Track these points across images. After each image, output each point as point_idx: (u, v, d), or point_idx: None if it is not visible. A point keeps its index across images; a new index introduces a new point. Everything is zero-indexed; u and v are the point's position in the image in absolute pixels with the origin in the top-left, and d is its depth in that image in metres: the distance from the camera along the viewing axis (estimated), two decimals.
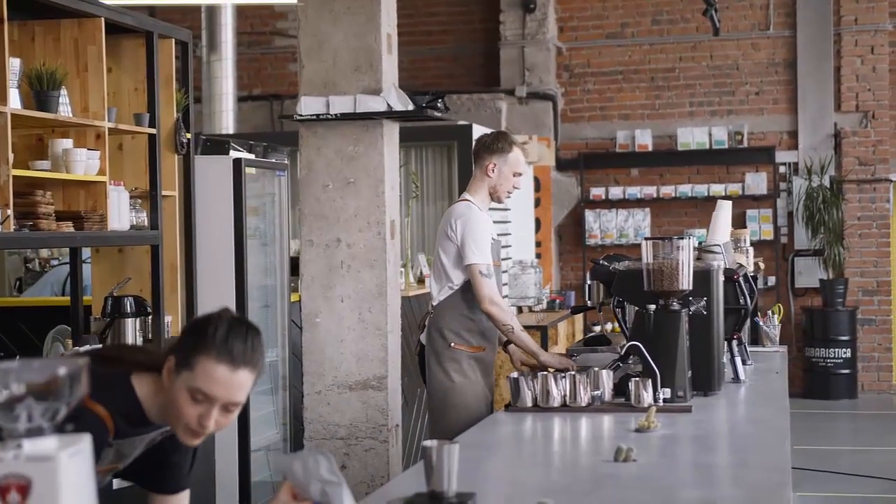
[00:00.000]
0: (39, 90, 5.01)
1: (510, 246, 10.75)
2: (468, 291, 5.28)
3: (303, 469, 2.50)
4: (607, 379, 4.41)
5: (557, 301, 11.11)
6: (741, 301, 5.10)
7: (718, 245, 5.25)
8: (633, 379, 4.30)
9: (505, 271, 10.28)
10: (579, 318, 11.28)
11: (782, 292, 12.82)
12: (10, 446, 1.74)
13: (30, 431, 1.75)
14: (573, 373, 4.38)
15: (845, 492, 8.40)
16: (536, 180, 12.46)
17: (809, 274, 12.81)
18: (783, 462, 3.36)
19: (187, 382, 2.59)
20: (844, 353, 12.47)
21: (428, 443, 2.73)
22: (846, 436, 11.12)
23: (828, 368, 12.47)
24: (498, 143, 5.42)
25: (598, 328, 12.40)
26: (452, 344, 5.31)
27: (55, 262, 8.96)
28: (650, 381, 4.28)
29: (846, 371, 12.50)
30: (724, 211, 5.62)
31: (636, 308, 4.62)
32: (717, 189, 12.81)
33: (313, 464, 2.51)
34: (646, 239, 4.52)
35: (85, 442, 1.79)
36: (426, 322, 5.49)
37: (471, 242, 5.21)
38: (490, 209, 5.51)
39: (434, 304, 5.39)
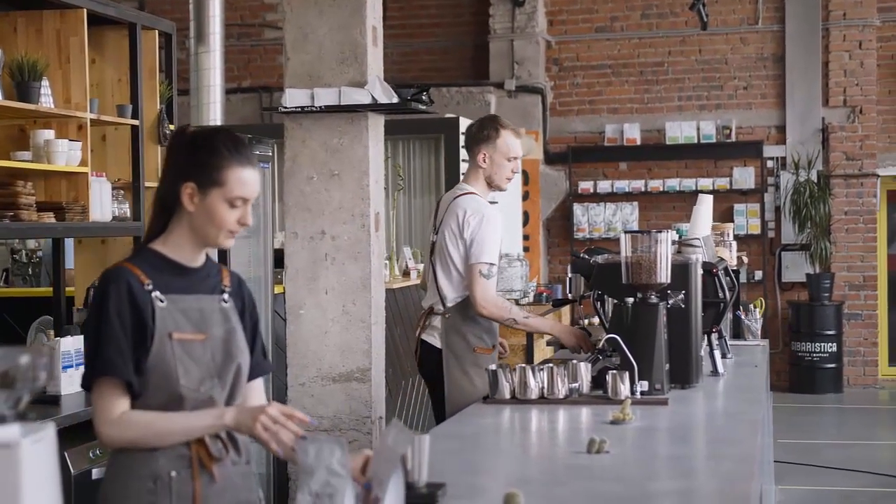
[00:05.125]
0: (21, 81, 5.00)
1: None
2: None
3: (315, 453, 2.54)
4: (585, 371, 4.42)
5: (545, 294, 11.13)
6: (720, 295, 5.11)
7: (698, 238, 5.27)
8: (610, 371, 4.32)
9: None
10: (566, 311, 11.30)
11: (769, 286, 12.86)
12: None
13: None
14: (550, 365, 4.39)
15: (829, 485, 8.43)
16: (525, 174, 12.49)
17: (796, 268, 12.85)
18: (752, 453, 3.38)
19: (224, 195, 2.87)
20: (830, 347, 12.51)
21: None
22: (831, 430, 11.16)
23: (814, 363, 12.52)
24: (484, 130, 5.24)
25: (585, 321, 12.44)
26: (476, 349, 5.15)
27: (41, 254, 8.96)
28: (627, 373, 4.30)
29: (832, 365, 12.55)
30: (705, 205, 5.64)
31: (615, 301, 4.63)
32: (705, 183, 12.84)
33: (328, 452, 2.53)
34: (625, 232, 4.53)
35: (48, 430, 1.81)
36: (427, 322, 5.27)
37: (481, 242, 5.07)
38: None
39: (448, 304, 5.17)
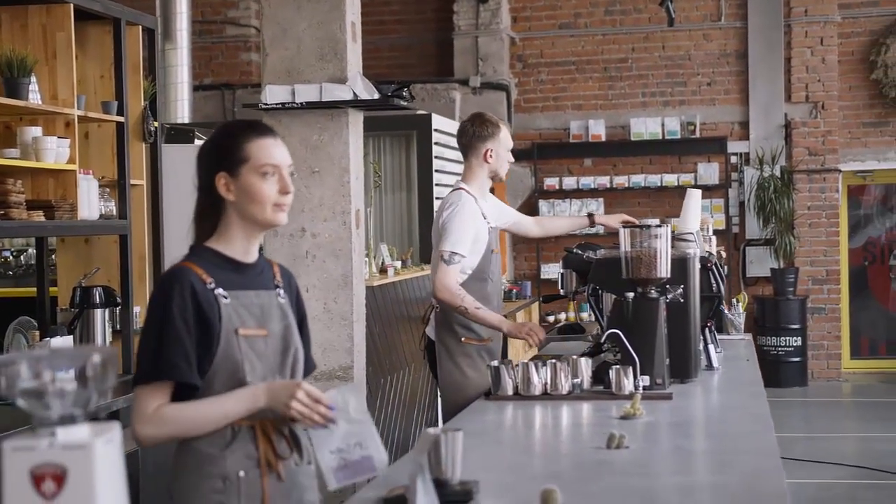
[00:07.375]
0: (10, 77, 4.92)
1: None
2: (472, 283, 5.18)
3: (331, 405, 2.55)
4: (586, 367, 4.42)
5: (514, 291, 11.16)
6: (714, 288, 5.13)
7: (692, 233, 5.28)
8: (613, 367, 4.31)
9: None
10: (535, 307, 11.33)
11: (734, 281, 12.93)
12: (43, 435, 1.72)
13: (63, 419, 1.73)
14: (553, 361, 4.37)
15: (799, 478, 8.49)
16: None
17: (760, 263, 12.95)
18: (773, 448, 3.39)
19: (252, 169, 2.87)
20: (795, 341, 12.62)
21: (433, 430, 2.73)
22: (798, 423, 11.24)
23: (779, 356, 12.61)
24: (486, 128, 5.39)
25: (551, 318, 12.47)
26: (463, 339, 5.23)
27: (6, 253, 8.84)
28: (630, 368, 4.29)
29: (797, 359, 12.66)
30: (695, 199, 5.65)
31: (614, 296, 4.62)
32: (670, 179, 12.90)
33: (342, 402, 2.53)
34: (624, 227, 4.53)
35: (115, 430, 1.77)
36: (430, 315, 5.35)
37: (449, 230, 5.14)
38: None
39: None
